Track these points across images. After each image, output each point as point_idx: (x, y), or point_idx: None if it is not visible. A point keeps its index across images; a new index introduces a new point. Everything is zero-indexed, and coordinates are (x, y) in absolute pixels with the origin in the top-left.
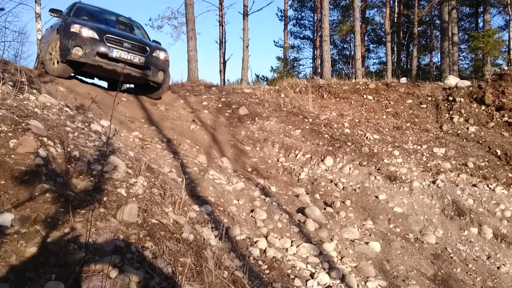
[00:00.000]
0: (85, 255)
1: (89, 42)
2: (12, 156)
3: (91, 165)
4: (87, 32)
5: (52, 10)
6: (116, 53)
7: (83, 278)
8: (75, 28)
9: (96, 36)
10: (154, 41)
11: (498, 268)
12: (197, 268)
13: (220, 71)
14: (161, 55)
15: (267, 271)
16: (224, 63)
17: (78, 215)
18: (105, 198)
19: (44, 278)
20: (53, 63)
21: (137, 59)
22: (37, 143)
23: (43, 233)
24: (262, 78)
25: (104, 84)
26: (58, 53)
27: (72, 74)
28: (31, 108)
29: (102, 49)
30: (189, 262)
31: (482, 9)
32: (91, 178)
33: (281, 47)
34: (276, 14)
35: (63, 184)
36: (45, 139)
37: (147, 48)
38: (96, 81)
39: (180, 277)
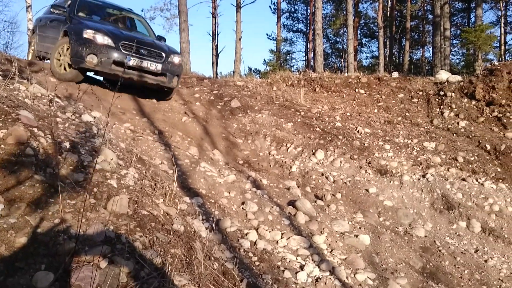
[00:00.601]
0: (75, 246)
1: (104, 50)
2: (2, 146)
3: (82, 156)
4: (102, 39)
5: (54, 7)
6: (133, 61)
7: (73, 268)
8: (88, 34)
9: (112, 43)
10: (159, 36)
11: (486, 261)
12: (187, 259)
13: (212, 64)
14: (176, 60)
15: (257, 263)
16: (217, 55)
17: (68, 205)
18: (95, 189)
19: (34, 268)
20: (63, 68)
21: (153, 66)
22: (27, 133)
23: (33, 223)
24: (255, 71)
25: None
26: (69, 58)
27: None
28: (21, 98)
29: (119, 57)
30: (179, 253)
31: (474, 4)
32: (82, 169)
33: (274, 40)
34: (269, 7)
35: (53, 175)
36: (35, 130)
37: (163, 54)
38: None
39: (170, 268)
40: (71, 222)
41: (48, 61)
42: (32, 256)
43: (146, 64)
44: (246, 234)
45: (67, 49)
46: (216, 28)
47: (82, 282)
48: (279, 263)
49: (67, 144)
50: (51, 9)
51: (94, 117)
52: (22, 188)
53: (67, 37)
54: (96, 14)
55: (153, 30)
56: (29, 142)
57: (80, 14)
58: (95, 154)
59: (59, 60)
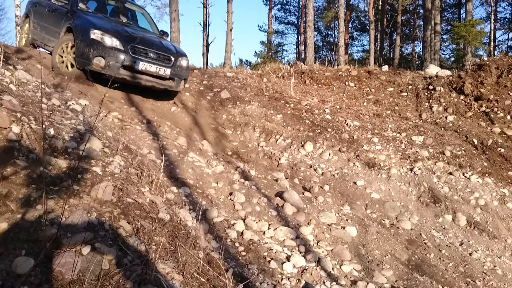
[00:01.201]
0: (57, 232)
1: (113, 53)
2: None
3: (67, 143)
4: (110, 41)
5: None
6: (142, 65)
7: (55, 254)
8: (95, 35)
9: (121, 46)
10: (162, 31)
11: (470, 254)
12: (171, 247)
13: (203, 54)
14: (184, 63)
15: (243, 253)
16: (207, 46)
17: (51, 192)
18: (79, 176)
19: (14, 253)
20: (65, 66)
21: (162, 71)
22: (10, 118)
23: (14, 209)
24: (246, 62)
25: None
26: (72, 57)
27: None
28: (6, 83)
29: (128, 61)
30: (164, 241)
31: (465, 0)
32: (66, 156)
33: (265, 31)
34: None
35: (37, 161)
36: (19, 115)
37: (172, 57)
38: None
39: (153, 255)
40: (54, 208)
41: (42, 49)
42: (12, 242)
43: (155, 68)
44: (233, 225)
45: (71, 48)
46: (207, 19)
47: (64, 268)
48: (266, 254)
49: (51, 131)
50: (53, 1)
51: (81, 105)
52: (4, 173)
53: (71, 34)
54: (98, 7)
55: (155, 24)
56: (12, 127)
57: (81, 5)
58: (80, 141)
59: (61, 57)
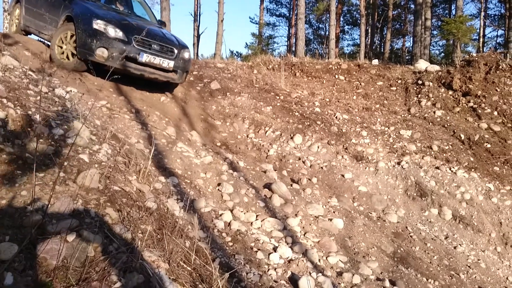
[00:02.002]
0: (42, 218)
1: (116, 44)
2: None
3: (53, 129)
4: (113, 32)
5: None
6: (145, 57)
7: (39, 240)
8: (98, 25)
9: (124, 37)
10: (159, 21)
11: (455, 247)
12: (158, 236)
13: (193, 45)
14: (186, 55)
15: (230, 243)
16: (198, 36)
17: (36, 178)
18: (65, 163)
19: None
20: (65, 57)
21: (166, 63)
22: None
23: None
24: (236, 54)
25: None
26: (72, 47)
27: (38, 38)
28: None
29: (131, 53)
30: (150, 230)
31: None
32: (52, 142)
33: (256, 23)
34: None
35: (22, 147)
36: (4, 100)
37: (175, 49)
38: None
39: (139, 243)
40: (39, 195)
41: (36, 36)
42: None
43: (158, 61)
44: (220, 215)
45: (71, 37)
46: (198, 9)
47: (48, 254)
48: (253, 244)
49: (37, 117)
50: None
51: (69, 92)
52: None
53: (71, 24)
54: None
55: (153, 13)
56: None
57: None
58: (67, 128)
59: (61, 47)
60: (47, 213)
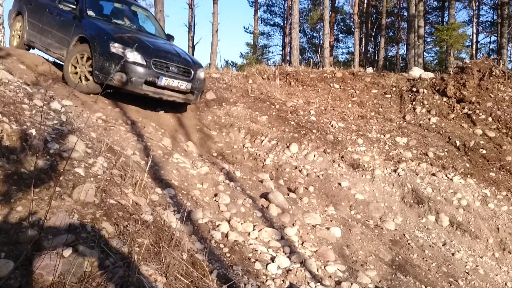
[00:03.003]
0: (38, 234)
1: (135, 68)
2: None
3: (48, 144)
4: (132, 56)
5: (62, 2)
6: (164, 81)
7: (35, 256)
8: (116, 48)
9: (143, 61)
10: (168, 35)
11: (453, 254)
12: (155, 249)
13: None
14: (202, 75)
15: (228, 254)
16: (193, 47)
17: (32, 193)
18: (61, 177)
19: None
20: (80, 79)
21: (183, 85)
22: None
23: None
24: (231, 63)
25: None
26: (88, 71)
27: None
28: None
29: (151, 77)
30: (147, 243)
31: (447, 3)
32: (47, 157)
33: (251, 33)
34: None
35: (17, 162)
36: None
37: (191, 70)
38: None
39: (136, 257)
40: (35, 210)
41: (35, 50)
42: None
43: (176, 83)
44: (217, 226)
45: (87, 60)
46: (193, 20)
47: (44, 270)
48: (250, 255)
49: (33, 131)
50: (60, 5)
51: (64, 105)
52: None
53: (85, 45)
54: (105, 11)
55: (162, 28)
56: None
57: (91, 12)
58: (62, 142)
59: (75, 68)
60: (43, 228)
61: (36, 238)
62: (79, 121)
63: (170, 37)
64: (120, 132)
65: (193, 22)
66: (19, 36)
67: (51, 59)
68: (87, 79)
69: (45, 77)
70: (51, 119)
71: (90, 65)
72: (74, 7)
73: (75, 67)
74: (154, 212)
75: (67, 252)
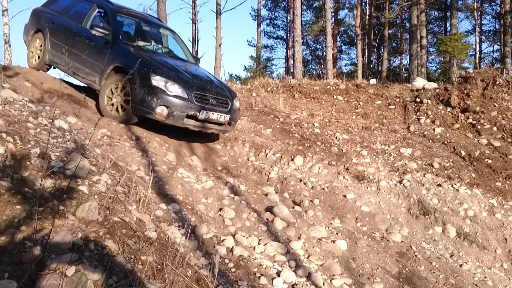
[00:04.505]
0: (41, 253)
1: (177, 102)
2: None
3: (52, 162)
4: (174, 89)
5: (95, 28)
6: (205, 114)
7: (38, 276)
8: (157, 82)
9: (185, 95)
10: (195, 57)
11: (461, 265)
12: (158, 266)
13: None
14: (237, 105)
15: (233, 270)
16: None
17: (35, 212)
18: (65, 196)
19: None
20: (115, 109)
21: (222, 118)
22: None
23: None
24: (235, 77)
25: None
26: (123, 100)
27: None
28: None
29: (193, 111)
30: (151, 260)
31: (449, 13)
32: (52, 175)
33: (254, 46)
34: (250, 13)
35: (21, 181)
36: (4, 135)
37: (229, 101)
38: (64, 76)
39: (139, 275)
40: (39, 229)
41: (52, 68)
42: None
43: (216, 116)
44: (222, 241)
45: (122, 89)
46: (196, 34)
47: None
48: (256, 270)
49: (37, 150)
50: (93, 31)
51: (69, 123)
52: None
53: (120, 75)
54: (134, 35)
55: (188, 50)
56: None
57: (122, 38)
58: (66, 160)
59: (110, 99)
60: (46, 248)
61: (40, 257)
62: (84, 138)
63: (197, 60)
64: (124, 148)
65: (196, 37)
66: (39, 56)
67: (57, 75)
68: (123, 109)
69: (50, 94)
70: (55, 137)
71: (125, 94)
72: (107, 32)
73: (110, 98)
74: (158, 228)
75: (71, 271)
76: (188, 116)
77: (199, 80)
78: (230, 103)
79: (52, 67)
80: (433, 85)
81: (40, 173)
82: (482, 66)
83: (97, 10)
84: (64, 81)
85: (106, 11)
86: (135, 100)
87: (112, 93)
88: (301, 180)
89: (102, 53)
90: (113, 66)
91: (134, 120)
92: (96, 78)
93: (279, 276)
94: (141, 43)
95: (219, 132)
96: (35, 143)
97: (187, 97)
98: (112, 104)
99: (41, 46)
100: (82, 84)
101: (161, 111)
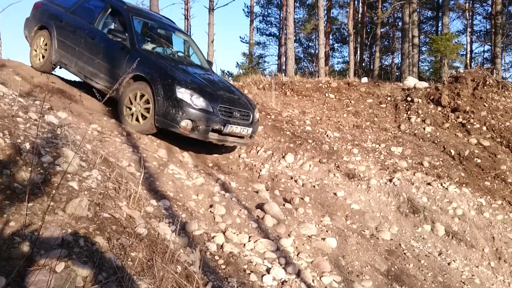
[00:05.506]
0: (30, 249)
1: (203, 116)
2: None
3: (42, 157)
4: (200, 102)
5: (112, 32)
6: (229, 128)
7: (28, 272)
8: (182, 94)
9: (210, 108)
10: (208, 61)
11: (449, 264)
12: (148, 262)
13: None
14: (257, 116)
15: (223, 266)
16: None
17: (25, 208)
18: (54, 191)
19: None
20: (135, 119)
21: (245, 131)
22: None
23: None
24: (228, 73)
25: (62, 73)
26: (144, 109)
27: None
28: None
29: (218, 125)
30: (140, 257)
31: (441, 13)
32: (41, 171)
33: (247, 43)
34: (243, 10)
35: (10, 176)
36: None
37: (250, 113)
38: (56, 71)
39: (129, 271)
40: (28, 225)
41: (59, 68)
42: None
43: (239, 130)
44: (213, 237)
45: (141, 97)
46: (189, 30)
47: (37, 286)
48: (245, 266)
49: (27, 145)
50: (107, 34)
51: (59, 118)
52: None
53: (140, 83)
54: (151, 39)
55: (202, 54)
56: None
57: (146, 46)
58: (56, 155)
59: (130, 109)
60: (35, 243)
61: (29, 253)
62: (74, 134)
63: (210, 64)
64: (115, 144)
65: (189, 33)
66: (43, 56)
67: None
68: (144, 117)
69: (40, 88)
70: (45, 132)
71: (145, 102)
72: (125, 37)
73: (130, 108)
74: (148, 224)
75: (60, 267)
76: (213, 130)
77: (222, 91)
78: (251, 115)
79: (58, 67)
80: (424, 84)
81: (30, 169)
82: (472, 66)
83: (110, 10)
84: (54, 75)
85: (121, 12)
86: (158, 113)
87: (131, 102)
88: (292, 178)
89: (119, 59)
90: (133, 75)
91: (154, 131)
92: (112, 85)
93: (269, 273)
94: (159, 49)
95: (240, 145)
96: (25, 138)
97: (212, 110)
98: (132, 114)
99: (45, 44)
100: (76, 79)
101: (185, 125)
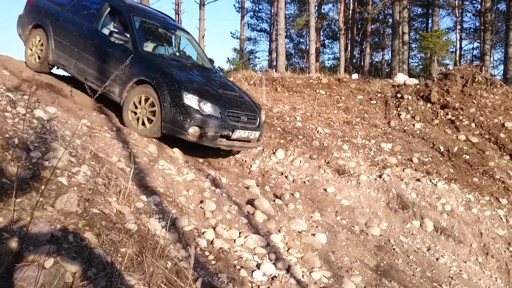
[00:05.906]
0: (19, 245)
1: (211, 122)
2: None
3: (31, 153)
4: (208, 108)
5: (113, 35)
6: (238, 133)
7: (16, 268)
8: (190, 100)
9: (218, 114)
10: (210, 59)
11: (437, 259)
12: (138, 258)
13: None
14: (263, 118)
15: (213, 262)
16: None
17: (13, 203)
18: (43, 187)
19: None
20: (141, 124)
21: (253, 135)
22: None
23: None
24: (219, 69)
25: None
26: (149, 112)
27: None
28: None
29: (226, 131)
30: (130, 252)
31: (431, 10)
32: (30, 166)
33: (237, 38)
34: (234, 5)
35: None
36: None
37: (257, 117)
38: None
39: (119, 267)
40: (16, 220)
41: (56, 68)
42: None
43: (247, 134)
44: (203, 233)
45: (146, 100)
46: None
47: (25, 282)
48: (236, 262)
49: (15, 140)
50: (109, 37)
51: (48, 113)
52: None
53: (143, 87)
54: (153, 40)
55: (203, 51)
56: None
57: (147, 48)
58: (45, 150)
59: (135, 113)
60: (24, 239)
61: (17, 249)
62: (64, 129)
63: (212, 62)
64: (105, 139)
65: None
66: (39, 56)
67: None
68: (149, 121)
69: (29, 83)
70: (34, 127)
71: (150, 105)
72: (126, 39)
73: (135, 113)
74: (138, 220)
75: (49, 263)
76: (222, 136)
77: (228, 95)
78: (258, 119)
79: (56, 67)
80: (414, 81)
81: (18, 164)
82: (462, 63)
83: (109, 9)
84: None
85: (121, 12)
86: (165, 119)
87: (136, 106)
88: (282, 174)
89: (121, 63)
90: (136, 80)
91: (159, 135)
92: (115, 89)
93: (259, 268)
94: (161, 49)
95: (248, 149)
96: (13, 133)
97: (220, 116)
98: (138, 119)
99: (41, 44)
100: (65, 74)
101: (193, 132)
